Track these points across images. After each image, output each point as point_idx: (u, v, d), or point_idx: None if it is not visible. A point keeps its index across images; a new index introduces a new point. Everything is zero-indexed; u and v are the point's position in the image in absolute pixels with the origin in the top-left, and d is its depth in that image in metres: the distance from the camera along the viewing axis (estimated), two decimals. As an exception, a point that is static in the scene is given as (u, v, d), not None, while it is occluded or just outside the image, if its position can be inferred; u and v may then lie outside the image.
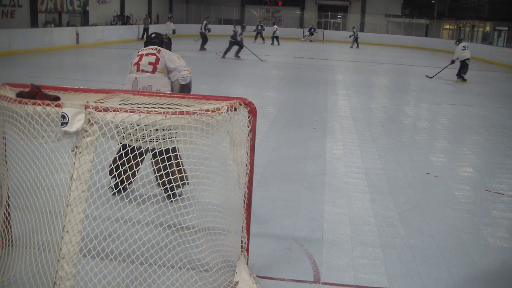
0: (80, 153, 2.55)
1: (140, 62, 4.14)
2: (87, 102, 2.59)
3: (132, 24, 29.45)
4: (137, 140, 2.62)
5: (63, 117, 2.53)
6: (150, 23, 28.02)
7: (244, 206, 3.00)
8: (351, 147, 6.59)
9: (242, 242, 3.07)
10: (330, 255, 3.54)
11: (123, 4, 29.30)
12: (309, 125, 7.88)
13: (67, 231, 2.51)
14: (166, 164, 3.29)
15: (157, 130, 2.61)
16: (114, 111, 2.54)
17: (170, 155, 3.13)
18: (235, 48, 18.59)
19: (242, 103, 2.85)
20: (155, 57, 4.14)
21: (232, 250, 3.18)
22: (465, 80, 14.56)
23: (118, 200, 3.32)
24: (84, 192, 2.56)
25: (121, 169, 3.14)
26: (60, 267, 2.50)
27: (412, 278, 3.28)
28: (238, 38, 18.56)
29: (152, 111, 2.57)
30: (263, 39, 29.43)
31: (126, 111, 2.55)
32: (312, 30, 33.81)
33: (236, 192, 3.03)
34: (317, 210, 4.35)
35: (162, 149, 3.18)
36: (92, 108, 2.55)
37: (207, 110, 2.65)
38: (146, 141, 2.63)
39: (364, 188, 4.97)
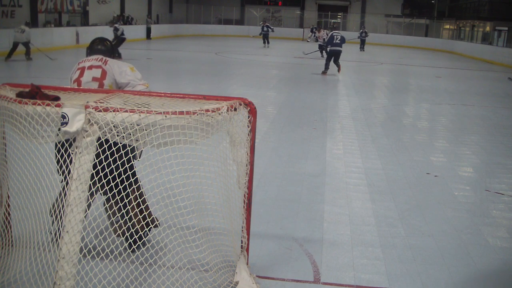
0: (80, 153, 2.56)
1: (81, 78, 3.30)
2: (87, 102, 2.60)
3: (132, 24, 29.47)
4: (137, 140, 2.62)
5: (63, 117, 2.53)
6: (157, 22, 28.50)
7: (244, 206, 3.00)
8: (351, 147, 6.59)
9: (242, 242, 3.07)
10: (330, 255, 3.54)
11: (123, 4, 29.30)
12: (309, 125, 7.87)
13: (67, 231, 2.51)
14: (123, 210, 2.96)
15: (156, 130, 2.60)
16: (114, 111, 2.55)
17: (129, 196, 2.91)
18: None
19: (242, 103, 2.85)
20: (100, 70, 3.32)
21: (232, 250, 3.18)
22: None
23: (118, 200, 3.31)
24: (84, 192, 2.57)
25: (61, 211, 2.70)
26: (60, 267, 2.50)
27: (412, 278, 3.28)
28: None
29: (152, 111, 2.57)
30: (268, 42, 26.05)
31: (126, 111, 2.55)
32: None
33: (236, 192, 3.03)
34: (317, 210, 4.35)
35: (115, 192, 2.81)
36: (92, 108, 2.55)
37: (207, 110, 2.65)
38: (146, 141, 2.63)
39: (364, 188, 4.97)
